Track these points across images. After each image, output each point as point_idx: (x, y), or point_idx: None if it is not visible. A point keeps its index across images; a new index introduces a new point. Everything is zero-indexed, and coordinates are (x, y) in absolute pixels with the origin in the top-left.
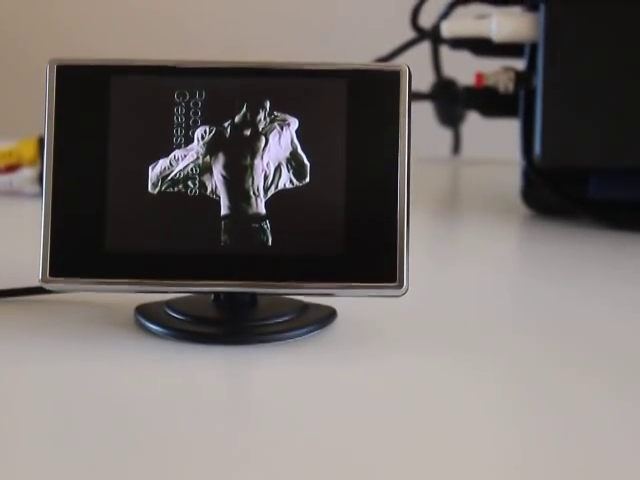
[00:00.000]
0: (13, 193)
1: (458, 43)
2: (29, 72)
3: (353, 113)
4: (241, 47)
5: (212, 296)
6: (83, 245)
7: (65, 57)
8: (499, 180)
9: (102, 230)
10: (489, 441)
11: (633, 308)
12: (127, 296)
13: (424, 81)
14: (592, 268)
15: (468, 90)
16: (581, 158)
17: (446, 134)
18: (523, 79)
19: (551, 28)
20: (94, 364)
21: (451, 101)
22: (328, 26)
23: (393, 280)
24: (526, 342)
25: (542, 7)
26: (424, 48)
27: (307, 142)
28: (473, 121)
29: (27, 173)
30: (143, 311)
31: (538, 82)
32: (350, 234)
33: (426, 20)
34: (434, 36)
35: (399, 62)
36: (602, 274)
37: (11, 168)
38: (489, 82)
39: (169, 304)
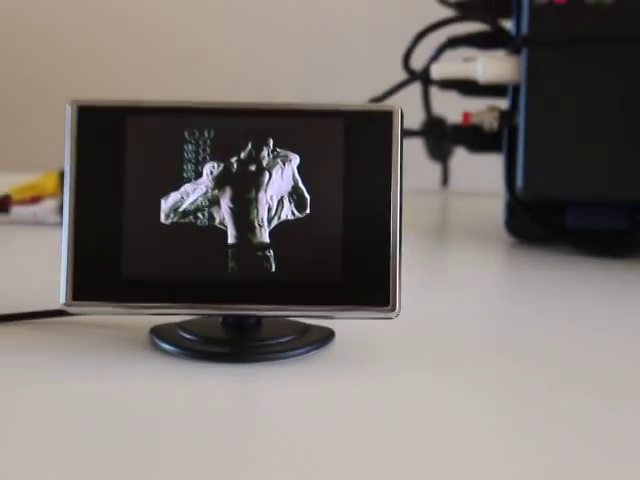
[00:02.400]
0: (37, 222)
1: (446, 84)
2: (51, 110)
3: (349, 150)
4: (248, 83)
5: (220, 318)
6: (101, 272)
7: (84, 98)
8: (484, 210)
9: (119, 258)
10: (484, 457)
11: (609, 328)
12: (140, 318)
13: (415, 119)
14: (570, 292)
15: (456, 128)
16: (559, 191)
17: (435, 168)
18: (506, 118)
19: (532, 71)
20: (113, 380)
21: (440, 138)
22: (329, 67)
23: (386, 304)
24: (510, 361)
25: (524, 51)
26: (415, 88)
27: (307, 177)
28: (460, 156)
29: (49, 204)
30: (157, 332)
31: (520, 120)
32: (347, 261)
33: (417, 62)
34: (424, 77)
35: (392, 102)
36: (580, 297)
37: (35, 199)
38: (475, 120)
39: (181, 326)
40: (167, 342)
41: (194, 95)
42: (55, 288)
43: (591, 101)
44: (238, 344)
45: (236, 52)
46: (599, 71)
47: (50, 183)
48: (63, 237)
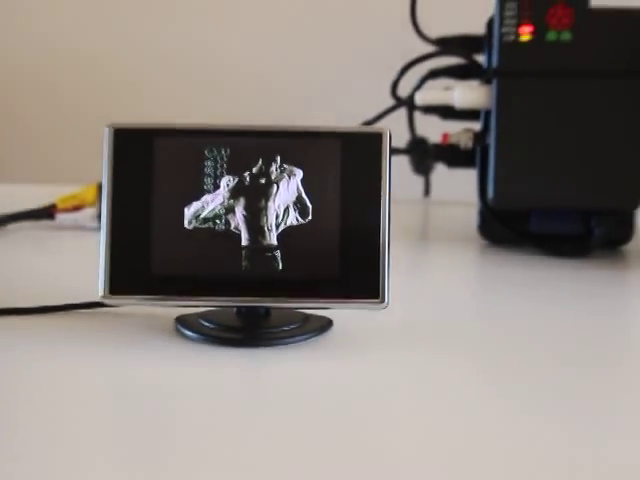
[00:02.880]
0: (78, 227)
1: (428, 109)
2: (92, 130)
3: (345, 166)
4: (260, 107)
5: (235, 309)
6: (134, 269)
7: (119, 122)
8: (460, 217)
9: (149, 258)
10: (468, 429)
11: (564, 314)
12: (166, 310)
13: (401, 139)
14: (533, 285)
15: (436, 146)
16: (524, 200)
17: (419, 181)
18: (479, 138)
19: (501, 98)
20: (143, 363)
21: (423, 155)
22: (329, 94)
23: (377, 297)
24: (482, 342)
25: (494, 81)
26: (402, 113)
27: (309, 188)
28: (440, 170)
29: (89, 212)
30: (181, 321)
31: (491, 140)
32: (343, 261)
33: (404, 90)
34: (409, 104)
35: (382, 125)
36: (541, 289)
37: (76, 208)
38: (453, 140)
39: (202, 316)
40: (190, 330)
41: (215, 116)
42: (94, 284)
43: (550, 124)
44: (250, 331)
45: (250, 80)
46: (557, 98)
47: (90, 194)
48: (101, 240)
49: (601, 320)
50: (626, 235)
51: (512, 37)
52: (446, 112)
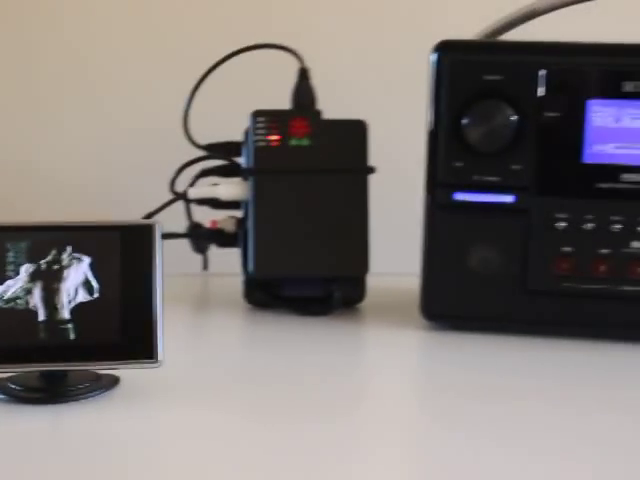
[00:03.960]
0: None
1: (200, 201)
2: None
3: (125, 251)
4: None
5: (38, 373)
6: None
7: None
8: (232, 285)
9: None
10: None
11: (312, 360)
12: None
13: (181, 225)
14: (285, 339)
15: (209, 230)
16: (276, 271)
17: (198, 257)
18: (241, 223)
19: (257, 191)
20: None
21: (199, 238)
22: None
23: (152, 357)
24: (242, 392)
25: (250, 178)
26: (180, 204)
27: (96, 271)
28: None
29: None
30: None
31: (249, 225)
32: (124, 329)
33: (181, 186)
34: (185, 197)
35: (156, 219)
36: (290, 342)
37: None
38: (220, 225)
39: (9, 380)
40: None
41: None
42: None
43: (296, 210)
44: (51, 390)
45: None
46: (300, 190)
47: None
48: None
49: (338, 369)
50: (360, 295)
51: (263, 143)
52: (215, 203)
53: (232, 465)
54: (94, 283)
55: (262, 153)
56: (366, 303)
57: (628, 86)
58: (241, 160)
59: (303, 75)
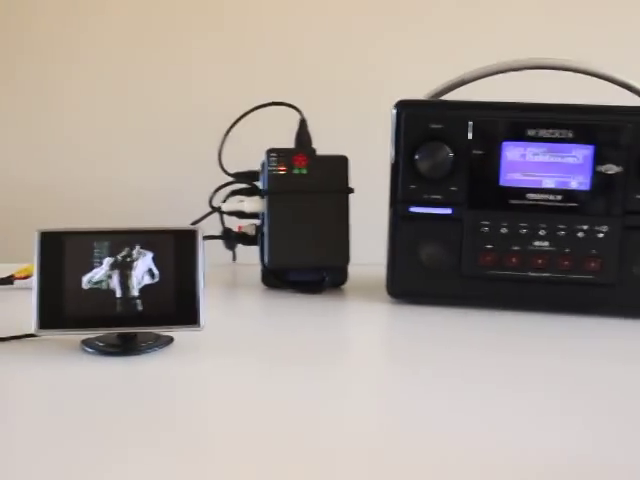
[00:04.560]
0: (28, 288)
1: (230, 213)
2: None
3: (177, 249)
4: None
5: (116, 334)
6: (54, 312)
7: (46, 227)
8: (253, 273)
9: (63, 306)
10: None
11: (304, 328)
12: (75, 336)
13: (216, 229)
14: (292, 306)
15: (236, 234)
16: (284, 263)
17: (229, 253)
18: (259, 229)
19: (270, 206)
20: (64, 366)
21: (229, 239)
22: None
23: (196, 323)
24: (271, 348)
25: (266, 198)
26: (216, 215)
27: (156, 262)
28: (241, 247)
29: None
30: (85, 343)
31: (265, 230)
32: (177, 303)
33: (218, 201)
34: (219, 210)
35: (199, 225)
36: (295, 309)
37: (27, 277)
38: (245, 230)
39: (97, 339)
40: (90, 347)
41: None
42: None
43: (298, 220)
44: (125, 347)
45: None
46: (300, 206)
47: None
48: (33, 296)
49: (328, 329)
50: (343, 279)
51: (275, 172)
52: (240, 214)
53: (255, 393)
54: (155, 271)
55: (274, 179)
56: (348, 285)
57: (530, 132)
58: (259, 184)
59: (302, 124)
